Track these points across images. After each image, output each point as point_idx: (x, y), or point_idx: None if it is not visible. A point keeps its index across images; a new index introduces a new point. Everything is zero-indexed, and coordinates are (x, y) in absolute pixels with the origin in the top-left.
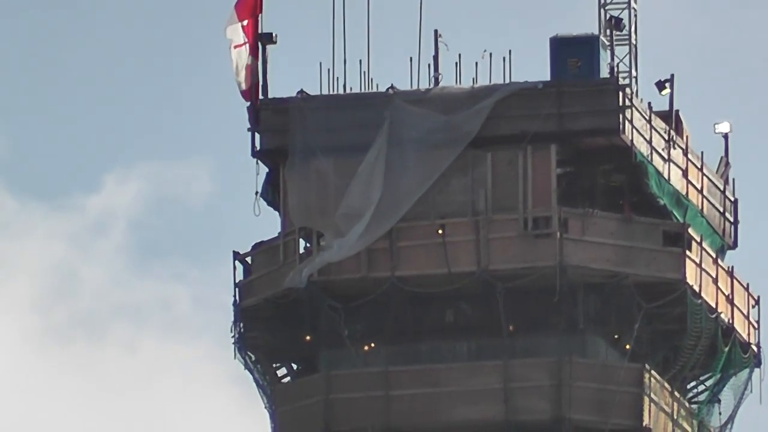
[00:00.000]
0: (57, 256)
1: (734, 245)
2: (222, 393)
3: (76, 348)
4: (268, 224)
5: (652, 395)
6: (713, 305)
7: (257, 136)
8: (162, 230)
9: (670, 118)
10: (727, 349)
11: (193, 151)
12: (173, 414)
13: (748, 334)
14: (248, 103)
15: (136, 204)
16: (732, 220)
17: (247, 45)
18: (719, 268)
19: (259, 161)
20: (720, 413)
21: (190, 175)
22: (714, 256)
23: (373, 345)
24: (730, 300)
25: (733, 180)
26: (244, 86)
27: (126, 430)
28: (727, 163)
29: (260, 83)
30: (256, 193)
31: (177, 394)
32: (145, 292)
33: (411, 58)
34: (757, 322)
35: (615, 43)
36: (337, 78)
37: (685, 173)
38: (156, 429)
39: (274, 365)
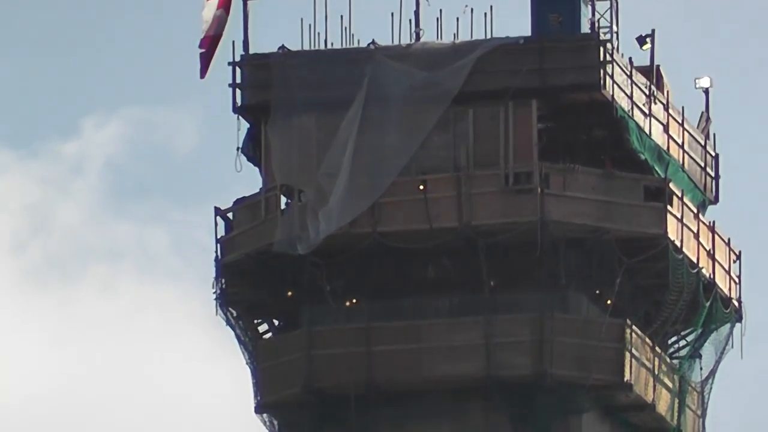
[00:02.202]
0: (32, 197)
1: (715, 200)
2: (200, 335)
3: (52, 289)
4: (250, 180)
5: (634, 351)
6: (694, 260)
7: (238, 91)
8: (141, 172)
9: (651, 73)
10: (708, 304)
11: (177, 102)
12: (151, 355)
13: (729, 289)
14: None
15: (115, 146)
16: (713, 175)
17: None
18: (700, 223)
19: (240, 117)
20: (701, 368)
21: (173, 125)
22: (695, 211)
23: (354, 301)
24: (711, 255)
25: (714, 135)
26: (210, 32)
27: (102, 371)
28: (708, 118)
29: (242, 39)
30: (238, 148)
31: (154, 336)
32: (122, 233)
33: (392, 14)
34: (738, 277)
35: None
36: (319, 33)
37: (666, 128)
38: (133, 370)
39: (255, 321)
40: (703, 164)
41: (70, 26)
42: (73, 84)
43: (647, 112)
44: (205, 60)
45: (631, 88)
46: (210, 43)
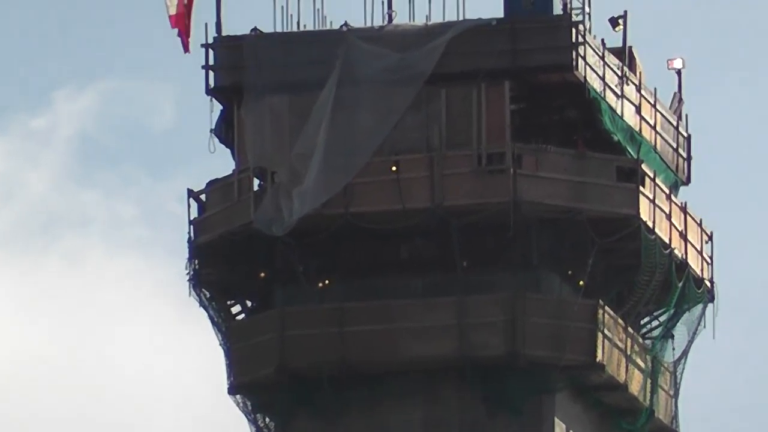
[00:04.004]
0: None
1: (687, 181)
2: (169, 306)
3: (18, 258)
4: (222, 161)
5: (606, 331)
6: (667, 241)
7: (211, 73)
8: (112, 142)
9: (624, 54)
10: (680, 284)
11: (152, 79)
12: (119, 325)
13: (702, 270)
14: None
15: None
16: (685, 156)
17: None
18: (673, 204)
19: (213, 99)
20: (673, 348)
21: (147, 101)
22: (667, 191)
23: (327, 281)
24: (683, 236)
25: (687, 116)
26: (172, 11)
27: (67, 342)
28: (681, 99)
29: (215, 21)
30: (211, 130)
31: (122, 306)
32: (90, 202)
33: None
34: (710, 257)
35: None
36: (291, 15)
37: (638, 109)
38: (100, 339)
39: (228, 302)
40: (675, 145)
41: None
42: (46, 57)
43: (619, 93)
44: (183, 36)
45: (604, 69)
46: (178, 21)
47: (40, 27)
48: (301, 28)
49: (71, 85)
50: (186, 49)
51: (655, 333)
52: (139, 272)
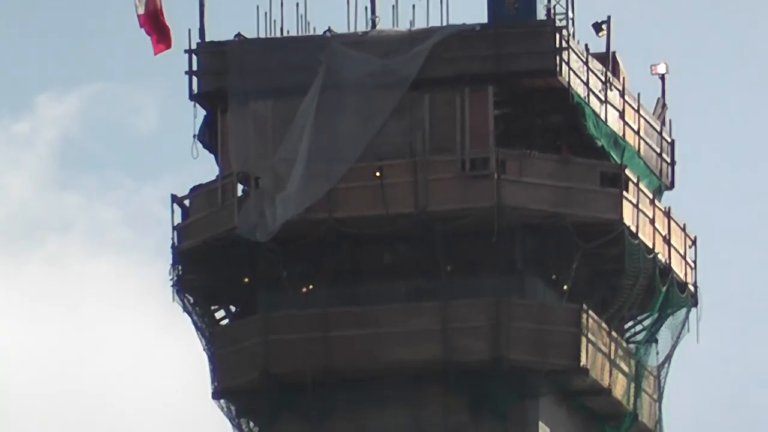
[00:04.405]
0: None
1: (671, 186)
2: (153, 309)
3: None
4: (205, 167)
5: (590, 335)
6: (650, 245)
7: (195, 79)
8: (95, 146)
9: (607, 59)
10: (664, 289)
11: (136, 83)
12: (102, 328)
13: (685, 274)
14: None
15: (70, 120)
16: (669, 160)
17: None
18: (656, 209)
19: (196, 104)
20: (657, 353)
21: (131, 106)
22: (651, 196)
23: (311, 287)
24: (667, 240)
25: (670, 121)
26: (141, 10)
27: (50, 345)
28: (664, 105)
29: (198, 27)
30: (194, 136)
31: (104, 309)
32: (72, 206)
33: (348, 1)
34: (694, 262)
35: None
36: (275, 21)
37: (622, 114)
38: (83, 342)
39: (212, 307)
40: (659, 150)
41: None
42: (29, 61)
43: (603, 98)
44: (155, 37)
45: (587, 74)
46: (145, 21)
47: (23, 31)
48: (285, 34)
49: (54, 90)
50: (155, 50)
51: (639, 337)
52: (122, 275)
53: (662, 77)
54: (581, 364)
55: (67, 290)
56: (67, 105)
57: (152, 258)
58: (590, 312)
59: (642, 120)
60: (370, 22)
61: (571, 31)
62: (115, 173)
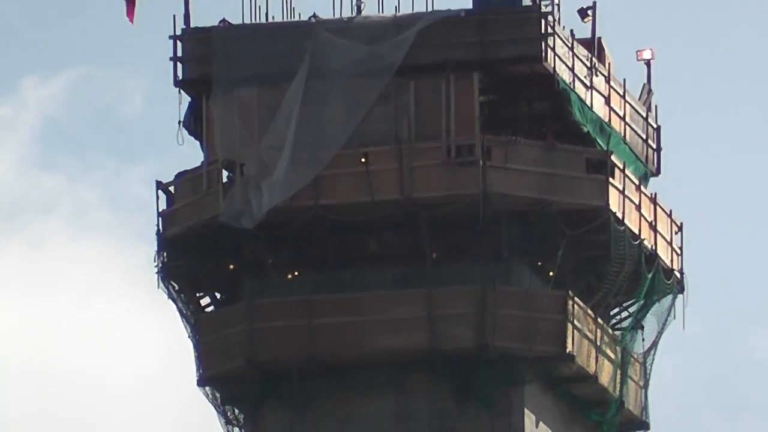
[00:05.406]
0: None
1: (657, 172)
2: (137, 291)
3: None
4: (190, 152)
5: (576, 322)
6: (636, 232)
7: (179, 65)
8: (79, 129)
9: (593, 45)
10: (650, 275)
11: (123, 68)
12: (85, 309)
13: (671, 261)
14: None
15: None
16: (654, 147)
17: None
18: (642, 195)
19: (181, 91)
20: (643, 339)
21: (117, 92)
22: (637, 183)
23: (296, 274)
24: (653, 227)
25: (656, 107)
26: None
27: (33, 327)
28: (650, 90)
29: (183, 13)
30: (179, 122)
31: (87, 291)
32: (54, 187)
33: None
34: (680, 248)
35: None
36: (260, 7)
37: (607, 100)
38: (66, 324)
39: (197, 294)
40: (644, 136)
41: None
42: (14, 44)
43: (589, 84)
44: (129, 5)
45: (573, 60)
46: None
47: (8, 14)
48: (270, 20)
49: (39, 73)
50: (131, 18)
51: (625, 324)
52: (105, 257)
53: (648, 63)
54: (567, 351)
55: (48, 272)
56: (52, 88)
57: (135, 241)
58: (576, 299)
59: (628, 106)
60: (355, 8)
61: (557, 17)
62: (97, 155)
